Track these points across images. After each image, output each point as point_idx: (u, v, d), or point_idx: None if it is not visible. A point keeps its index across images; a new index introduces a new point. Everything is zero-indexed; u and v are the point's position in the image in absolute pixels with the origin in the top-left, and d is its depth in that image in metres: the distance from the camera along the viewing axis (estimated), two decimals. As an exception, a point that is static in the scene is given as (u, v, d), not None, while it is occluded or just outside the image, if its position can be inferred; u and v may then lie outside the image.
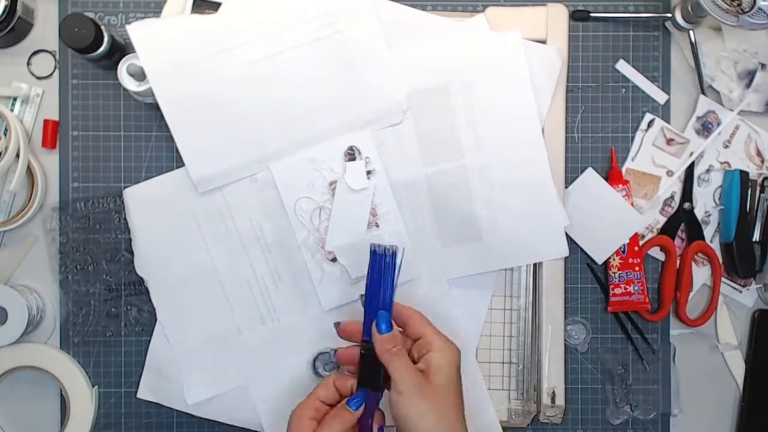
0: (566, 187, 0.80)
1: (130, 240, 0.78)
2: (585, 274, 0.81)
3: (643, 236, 0.81)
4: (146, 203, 0.78)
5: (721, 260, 0.82)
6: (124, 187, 0.79)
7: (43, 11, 0.80)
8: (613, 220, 0.80)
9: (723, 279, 0.82)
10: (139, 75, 0.74)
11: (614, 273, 0.80)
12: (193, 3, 0.76)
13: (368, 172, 0.77)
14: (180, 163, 0.77)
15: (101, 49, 0.74)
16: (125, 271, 0.79)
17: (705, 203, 0.82)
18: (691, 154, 0.81)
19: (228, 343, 0.79)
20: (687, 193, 0.82)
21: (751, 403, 0.82)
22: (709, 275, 0.82)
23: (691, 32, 0.79)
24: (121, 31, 0.79)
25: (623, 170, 0.81)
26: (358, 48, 0.76)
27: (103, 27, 0.74)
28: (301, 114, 0.76)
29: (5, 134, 0.77)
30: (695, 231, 0.81)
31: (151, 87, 0.74)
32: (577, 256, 0.81)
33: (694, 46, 0.80)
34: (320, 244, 0.77)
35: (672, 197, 0.82)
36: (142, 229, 0.78)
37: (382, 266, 0.65)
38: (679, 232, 0.82)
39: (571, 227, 0.79)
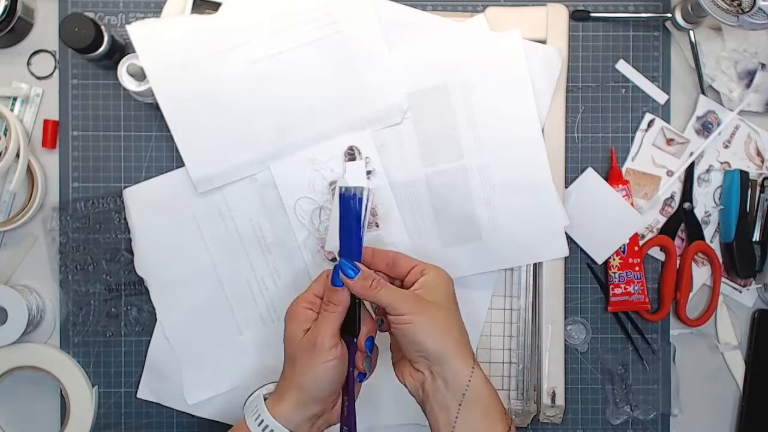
0: (566, 187, 0.80)
1: (130, 240, 0.78)
2: (585, 274, 0.81)
3: (643, 236, 0.81)
4: (146, 203, 0.78)
5: (721, 260, 0.82)
6: (124, 187, 0.79)
7: (43, 11, 0.80)
8: (613, 220, 0.80)
9: (723, 279, 0.82)
10: (139, 75, 0.74)
11: (614, 273, 0.80)
12: (193, 3, 0.76)
13: (368, 172, 0.77)
14: (180, 163, 0.77)
15: (101, 49, 0.74)
16: (125, 271, 0.79)
17: (705, 203, 0.82)
18: (691, 154, 0.81)
19: (228, 343, 0.79)
20: (687, 193, 0.82)
21: (751, 403, 0.82)
22: (709, 275, 0.82)
23: (691, 32, 0.79)
24: (121, 31, 0.79)
25: (623, 170, 0.81)
26: (358, 48, 0.76)
27: (103, 27, 0.74)
28: (301, 114, 0.76)
29: (5, 134, 0.77)
30: (695, 231, 0.81)
31: (151, 87, 0.74)
32: (577, 256, 0.81)
33: (694, 46, 0.80)
34: (320, 244, 0.77)
35: (672, 197, 0.82)
36: (142, 229, 0.78)
37: (348, 211, 0.65)
38: (679, 232, 0.82)
39: (571, 227, 0.79)
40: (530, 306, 0.79)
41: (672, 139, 0.82)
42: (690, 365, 0.82)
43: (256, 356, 0.78)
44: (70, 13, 0.79)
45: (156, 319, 0.79)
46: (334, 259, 0.77)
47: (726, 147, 0.82)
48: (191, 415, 0.79)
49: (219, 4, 0.76)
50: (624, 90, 0.82)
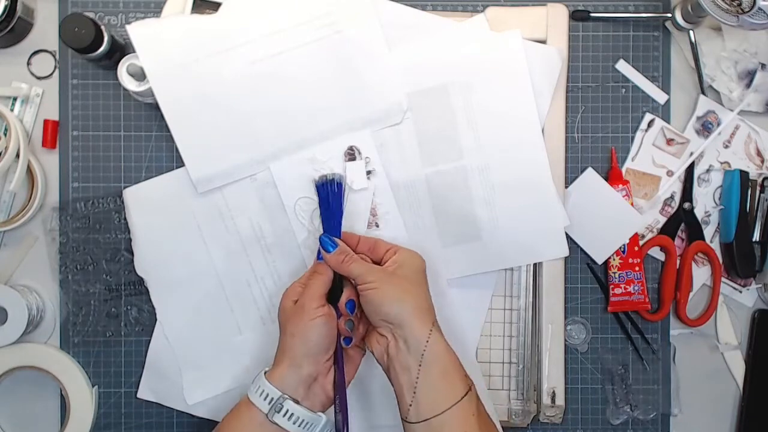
0: (566, 187, 0.80)
1: (130, 240, 0.78)
2: (585, 274, 0.81)
3: (643, 236, 0.82)
4: (146, 203, 0.78)
5: (721, 260, 0.82)
6: (124, 187, 0.79)
7: (43, 11, 0.80)
8: (613, 220, 0.80)
9: (723, 279, 0.82)
10: (139, 75, 0.74)
11: (614, 273, 0.80)
12: (193, 3, 0.76)
13: (368, 172, 0.77)
14: (180, 163, 0.77)
15: (101, 49, 0.74)
16: (125, 271, 0.79)
17: (705, 203, 0.82)
18: (691, 154, 0.81)
19: (228, 343, 0.79)
20: (687, 193, 0.82)
21: (751, 403, 0.82)
22: (709, 275, 0.82)
23: (691, 32, 0.79)
24: (121, 31, 0.79)
25: (623, 170, 0.81)
26: (358, 48, 0.76)
27: (103, 27, 0.74)
28: (301, 114, 0.76)
29: (5, 134, 0.77)
30: (695, 231, 0.81)
31: (151, 87, 0.74)
32: (577, 256, 0.81)
33: (694, 46, 0.80)
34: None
35: (672, 197, 0.82)
36: (142, 229, 0.78)
37: (328, 195, 0.73)
38: (679, 232, 0.82)
39: (571, 227, 0.79)
40: (530, 306, 0.79)
41: (672, 139, 0.82)
42: (690, 365, 0.82)
43: (256, 356, 0.78)
44: (70, 13, 0.79)
45: (156, 319, 0.79)
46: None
47: (726, 147, 0.82)
48: (191, 415, 0.79)
49: (219, 4, 0.76)
50: (624, 90, 0.82)
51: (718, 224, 0.82)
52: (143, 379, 0.80)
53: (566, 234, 0.78)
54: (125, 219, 0.79)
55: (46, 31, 0.80)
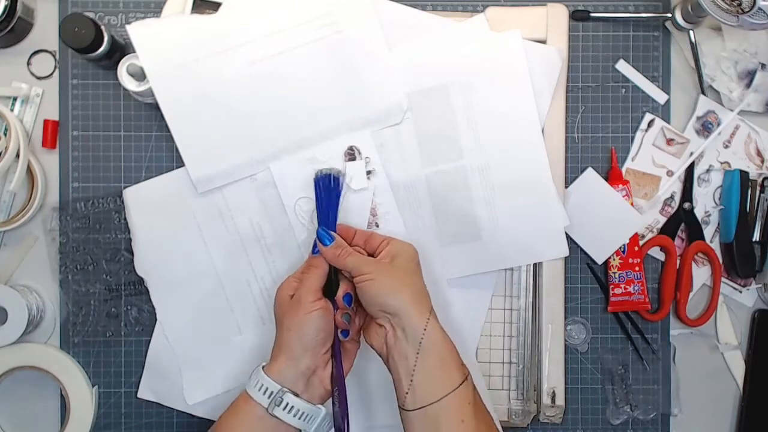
0: (566, 187, 0.80)
1: (130, 240, 0.78)
2: (585, 274, 0.81)
3: (643, 236, 0.81)
4: (146, 203, 0.78)
5: (721, 260, 0.82)
6: (124, 187, 0.79)
7: (43, 11, 0.80)
8: (613, 220, 0.80)
9: (723, 279, 0.82)
10: (139, 75, 0.74)
11: (614, 273, 0.80)
12: (193, 3, 0.76)
13: (368, 172, 0.77)
14: (180, 163, 0.77)
15: (101, 49, 0.74)
16: (125, 271, 0.79)
17: (705, 203, 0.82)
18: (691, 154, 0.81)
19: (228, 343, 0.79)
20: (687, 193, 0.82)
21: (751, 403, 0.82)
22: (709, 275, 0.82)
23: (691, 32, 0.79)
24: (121, 31, 0.79)
25: (623, 170, 0.81)
26: (358, 48, 0.76)
27: (103, 27, 0.74)
28: (301, 114, 0.76)
29: (5, 134, 0.77)
30: (695, 231, 0.81)
31: (151, 87, 0.74)
32: (577, 256, 0.81)
33: (694, 46, 0.80)
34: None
35: (672, 197, 0.82)
36: (142, 229, 0.78)
37: (326, 190, 0.74)
38: (679, 232, 0.82)
39: (571, 227, 0.79)
40: (530, 306, 0.79)
41: (672, 139, 0.82)
42: (690, 365, 0.82)
43: (256, 356, 0.78)
44: (70, 13, 0.79)
45: (156, 319, 0.79)
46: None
47: (726, 147, 0.82)
48: (191, 415, 0.79)
49: (219, 4, 0.76)
50: (624, 90, 0.82)
51: (718, 224, 0.82)
52: (143, 379, 0.80)
53: (566, 234, 0.78)
54: (125, 219, 0.79)
55: (46, 31, 0.80)
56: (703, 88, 0.81)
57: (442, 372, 0.64)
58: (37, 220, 0.80)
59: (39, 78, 0.80)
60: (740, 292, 0.83)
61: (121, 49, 0.78)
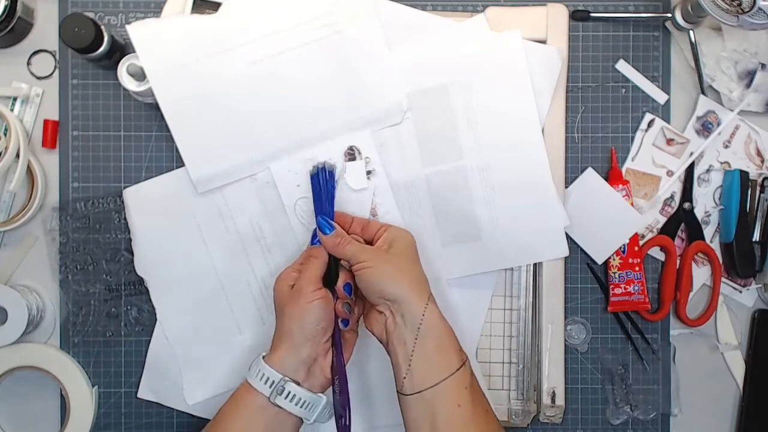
0: (566, 187, 0.80)
1: (130, 240, 0.78)
2: (585, 274, 0.81)
3: (643, 236, 0.81)
4: (146, 203, 0.78)
5: (721, 260, 0.82)
6: (124, 187, 0.79)
7: (43, 11, 0.80)
8: (613, 220, 0.80)
9: (723, 279, 0.82)
10: (139, 75, 0.74)
11: (614, 273, 0.80)
12: (193, 3, 0.76)
13: (368, 172, 0.77)
14: (180, 163, 0.77)
15: (101, 49, 0.74)
16: (125, 271, 0.79)
17: (705, 203, 0.82)
18: (691, 154, 0.81)
19: (228, 343, 0.79)
20: (687, 193, 0.82)
21: (751, 403, 0.82)
22: (709, 275, 0.82)
23: (691, 32, 0.79)
24: (121, 31, 0.79)
25: (623, 170, 0.81)
26: (358, 48, 0.76)
27: (103, 27, 0.74)
28: (301, 114, 0.76)
29: (5, 134, 0.77)
30: (695, 231, 0.81)
31: (151, 87, 0.74)
32: (577, 256, 0.81)
33: (694, 46, 0.80)
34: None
35: (672, 197, 0.82)
36: (142, 229, 0.78)
37: (322, 182, 0.74)
38: (679, 232, 0.82)
39: (571, 227, 0.79)
40: (530, 306, 0.79)
41: (672, 139, 0.82)
42: (690, 365, 0.82)
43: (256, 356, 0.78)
44: (70, 13, 0.79)
45: (156, 319, 0.79)
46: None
47: (726, 147, 0.82)
48: (191, 415, 0.79)
49: (219, 4, 0.76)
50: (624, 90, 0.82)
51: (718, 224, 0.82)
52: (143, 379, 0.80)
53: (566, 234, 0.78)
54: (125, 219, 0.79)
55: (46, 31, 0.80)
56: (703, 88, 0.81)
57: (440, 357, 0.65)
58: (37, 220, 0.80)
59: (39, 78, 0.80)
60: (740, 292, 0.83)
61: (121, 49, 0.78)
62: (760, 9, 0.68)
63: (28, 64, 0.80)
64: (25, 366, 0.78)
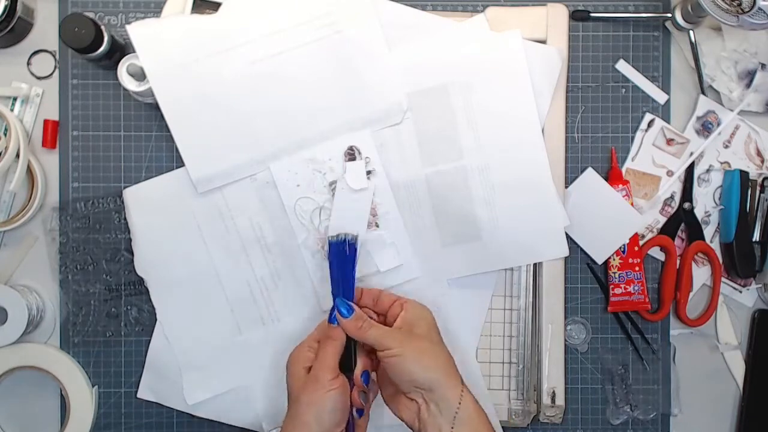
0: (566, 187, 0.80)
1: (130, 240, 0.78)
2: (585, 274, 0.81)
3: (643, 236, 0.81)
4: (146, 203, 0.78)
5: (721, 260, 0.82)
6: (124, 187, 0.79)
7: (43, 11, 0.80)
8: (613, 220, 0.80)
9: (723, 279, 0.82)
10: (139, 75, 0.74)
11: (614, 273, 0.80)
12: (193, 3, 0.76)
13: (368, 172, 0.77)
14: (180, 163, 0.77)
15: (101, 49, 0.74)
16: (125, 271, 0.79)
17: (705, 203, 0.82)
18: (691, 154, 0.81)
19: (228, 343, 0.79)
20: (687, 193, 0.82)
21: (751, 403, 0.82)
22: (709, 275, 0.82)
23: (691, 32, 0.79)
24: (121, 31, 0.79)
25: (623, 170, 0.81)
26: (358, 48, 0.76)
27: (103, 27, 0.74)
28: (301, 114, 0.76)
29: (5, 134, 0.77)
30: (695, 231, 0.81)
31: (151, 87, 0.74)
32: (577, 256, 0.81)
33: (694, 46, 0.80)
34: (320, 244, 0.77)
35: (672, 197, 0.82)
36: (142, 229, 0.78)
37: (341, 256, 0.71)
38: (679, 232, 0.82)
39: (571, 227, 0.79)
40: (530, 306, 0.79)
41: (672, 139, 0.82)
42: (690, 365, 0.82)
43: (256, 356, 0.78)
44: (70, 13, 0.79)
45: (156, 319, 0.79)
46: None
47: (726, 147, 0.82)
48: (191, 415, 0.79)
49: (219, 4, 0.76)
50: (624, 90, 0.82)
51: (718, 224, 0.82)
52: (143, 379, 0.80)
53: (566, 234, 0.78)
54: (125, 219, 0.79)
55: (46, 31, 0.80)
56: (703, 88, 0.81)
57: None
58: (37, 220, 0.80)
59: (39, 78, 0.80)
60: (740, 292, 0.83)
61: (121, 49, 0.78)
62: (760, 9, 0.68)
63: (28, 64, 0.80)
64: (25, 366, 0.78)
